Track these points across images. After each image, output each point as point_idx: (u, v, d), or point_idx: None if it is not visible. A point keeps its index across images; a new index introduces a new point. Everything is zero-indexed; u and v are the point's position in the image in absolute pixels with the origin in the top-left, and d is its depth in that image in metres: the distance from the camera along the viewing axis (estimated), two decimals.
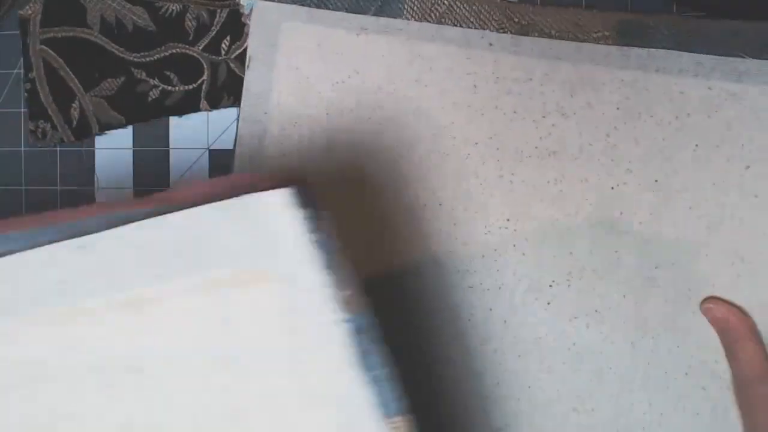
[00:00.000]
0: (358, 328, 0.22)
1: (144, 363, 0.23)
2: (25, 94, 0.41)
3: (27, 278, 0.23)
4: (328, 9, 0.35)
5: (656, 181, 0.33)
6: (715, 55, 0.33)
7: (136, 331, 0.23)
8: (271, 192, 0.22)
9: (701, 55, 0.33)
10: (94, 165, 0.42)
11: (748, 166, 0.33)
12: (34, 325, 0.23)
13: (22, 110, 0.42)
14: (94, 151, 0.42)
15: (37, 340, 0.24)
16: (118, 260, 0.22)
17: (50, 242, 0.23)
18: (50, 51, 0.40)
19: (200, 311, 0.23)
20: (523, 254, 0.35)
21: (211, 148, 0.41)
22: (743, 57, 0.32)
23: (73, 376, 0.23)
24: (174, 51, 0.39)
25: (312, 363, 0.22)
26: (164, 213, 0.22)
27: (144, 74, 0.39)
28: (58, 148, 0.42)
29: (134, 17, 0.39)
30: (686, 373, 0.33)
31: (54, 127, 0.40)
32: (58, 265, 0.23)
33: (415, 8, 0.35)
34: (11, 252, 0.23)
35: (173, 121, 0.41)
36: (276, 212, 0.22)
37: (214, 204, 0.22)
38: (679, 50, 0.33)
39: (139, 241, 0.22)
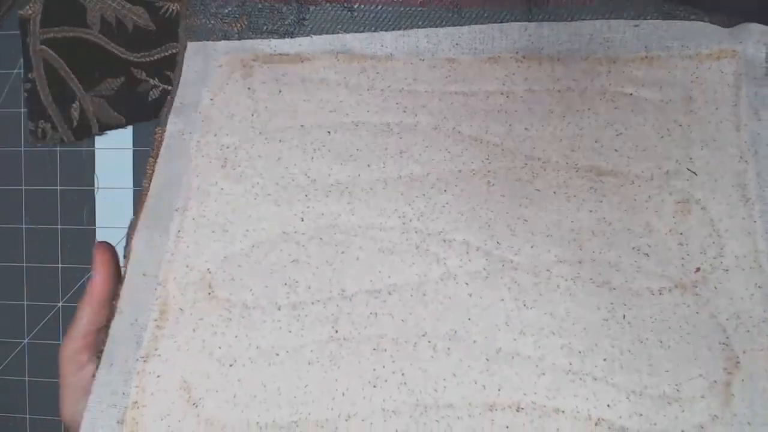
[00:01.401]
0: None
1: None
2: (25, 94, 0.41)
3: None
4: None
5: None
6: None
7: None
8: None
9: None
10: (94, 165, 0.42)
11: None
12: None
13: (22, 110, 0.42)
14: (94, 151, 0.42)
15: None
16: None
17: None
18: (50, 51, 0.40)
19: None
20: None
21: None
22: None
23: None
24: (174, 51, 0.39)
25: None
26: None
27: (144, 74, 0.39)
28: (58, 148, 0.42)
29: (134, 17, 0.39)
30: None
31: (54, 127, 0.40)
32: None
33: None
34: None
35: None
36: None
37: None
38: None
39: None
